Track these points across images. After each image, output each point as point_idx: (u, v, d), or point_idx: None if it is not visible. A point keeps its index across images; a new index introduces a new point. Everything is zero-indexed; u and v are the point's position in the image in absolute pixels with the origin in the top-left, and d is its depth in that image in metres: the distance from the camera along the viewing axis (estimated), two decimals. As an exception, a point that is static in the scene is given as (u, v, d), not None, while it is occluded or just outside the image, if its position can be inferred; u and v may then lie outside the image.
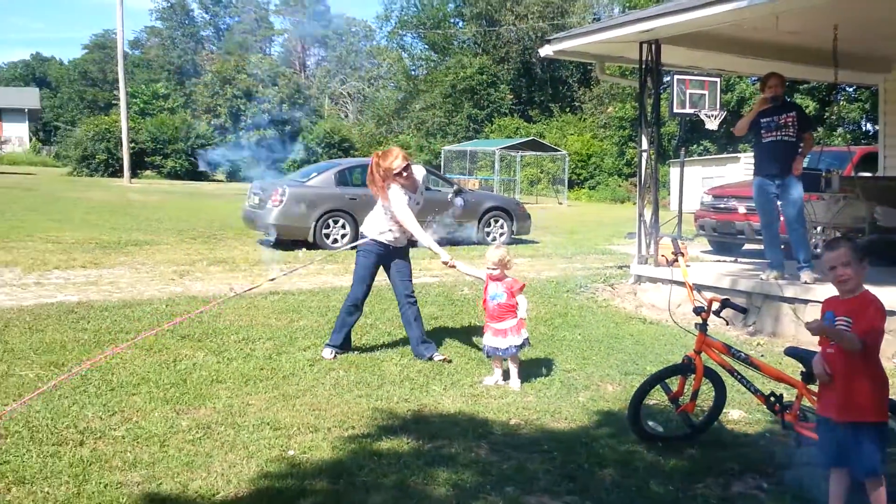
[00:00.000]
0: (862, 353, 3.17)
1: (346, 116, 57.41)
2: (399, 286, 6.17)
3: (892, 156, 10.94)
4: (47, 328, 6.42)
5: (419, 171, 6.28)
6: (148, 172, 35.05)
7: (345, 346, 6.09)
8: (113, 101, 47.52)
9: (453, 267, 5.90)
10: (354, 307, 6.08)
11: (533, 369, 5.82)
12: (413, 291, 6.20)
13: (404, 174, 5.95)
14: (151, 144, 34.83)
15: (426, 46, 52.90)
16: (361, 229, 6.30)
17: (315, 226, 12.50)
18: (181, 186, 28.90)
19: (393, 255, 6.14)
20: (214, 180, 36.64)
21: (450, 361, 5.93)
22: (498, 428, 4.54)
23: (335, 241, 12.63)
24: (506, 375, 5.50)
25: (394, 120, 49.51)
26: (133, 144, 31.69)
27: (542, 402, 5.05)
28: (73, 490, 3.51)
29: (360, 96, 57.98)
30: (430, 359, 5.92)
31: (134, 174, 31.29)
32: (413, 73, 52.97)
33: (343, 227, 12.76)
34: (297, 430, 4.37)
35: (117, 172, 32.45)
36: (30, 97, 55.11)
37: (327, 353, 5.96)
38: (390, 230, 6.06)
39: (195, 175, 35.16)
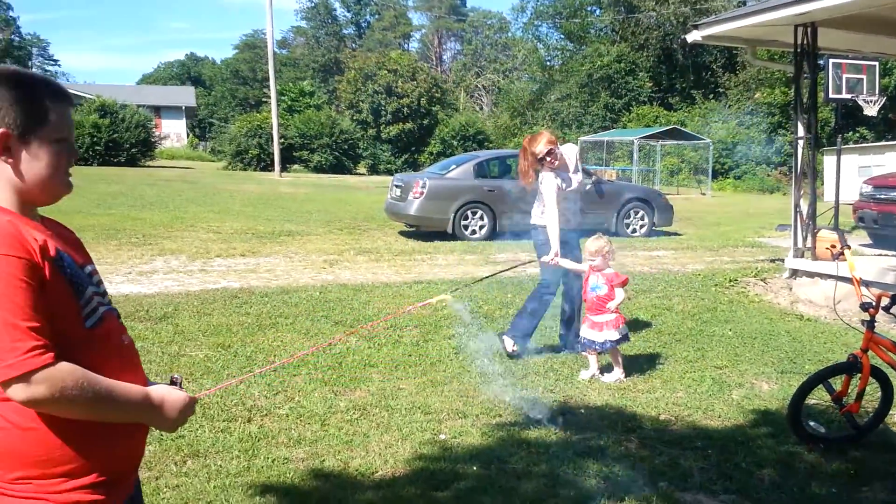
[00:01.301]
0: None
1: (481, 109, 57.74)
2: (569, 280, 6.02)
3: None
4: (213, 312, 6.91)
5: (570, 150, 6.16)
6: (296, 167, 36.71)
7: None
8: (263, 99, 50.10)
9: (556, 265, 5.77)
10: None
11: (681, 365, 5.69)
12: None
13: (548, 158, 5.86)
14: (299, 140, 36.43)
15: (562, 36, 52.24)
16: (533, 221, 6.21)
17: (454, 217, 12.72)
18: (327, 180, 30.13)
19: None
20: (357, 173, 37.95)
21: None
22: (647, 422, 4.50)
23: (473, 232, 12.80)
24: (603, 370, 5.40)
25: (528, 111, 49.28)
26: (282, 140, 33.30)
27: (693, 398, 4.94)
28: (243, 464, 3.79)
29: (494, 88, 58.13)
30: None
31: (283, 168, 32.88)
32: (548, 63, 52.47)
33: (481, 218, 12.90)
34: (447, 415, 4.51)
35: (268, 167, 34.23)
36: (186, 95, 58.87)
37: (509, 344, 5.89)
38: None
39: (340, 169, 36.52)
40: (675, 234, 14.46)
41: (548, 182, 5.90)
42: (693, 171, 33.96)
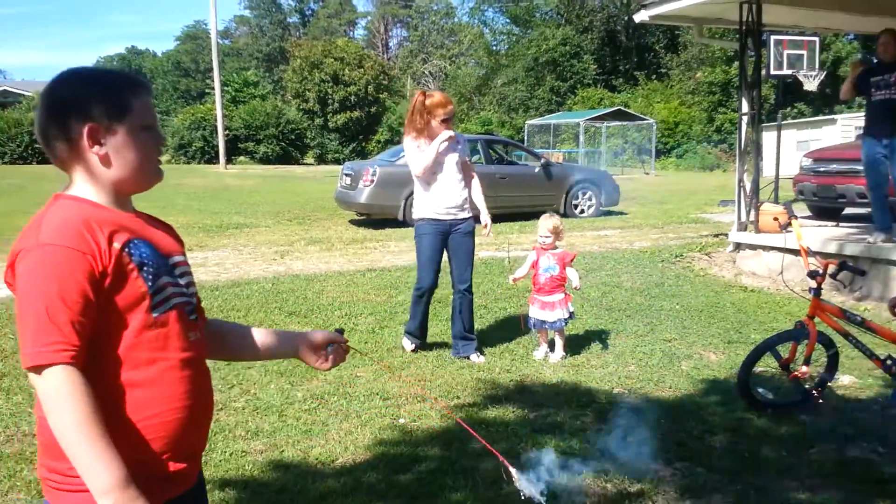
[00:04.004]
0: None
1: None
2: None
3: None
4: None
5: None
6: (242, 158, 36.15)
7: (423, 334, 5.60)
8: (206, 91, 49.11)
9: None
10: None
11: (632, 340, 5.81)
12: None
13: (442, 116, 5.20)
14: (244, 131, 35.86)
15: (508, 21, 52.37)
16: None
17: (405, 204, 12.70)
18: (274, 171, 29.75)
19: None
20: (305, 164, 37.56)
21: (481, 360, 5.35)
22: (602, 397, 4.58)
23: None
24: (551, 347, 5.48)
25: (475, 97, 49.37)
26: (227, 132, 32.73)
27: (645, 371, 5.05)
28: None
29: (442, 74, 58.04)
30: (468, 358, 5.34)
31: (229, 160, 32.36)
32: (495, 48, 52.59)
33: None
34: (406, 400, 4.52)
35: (213, 159, 33.66)
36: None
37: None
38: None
39: (287, 159, 36.09)
40: (622, 213, 14.69)
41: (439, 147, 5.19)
42: (637, 152, 34.49)
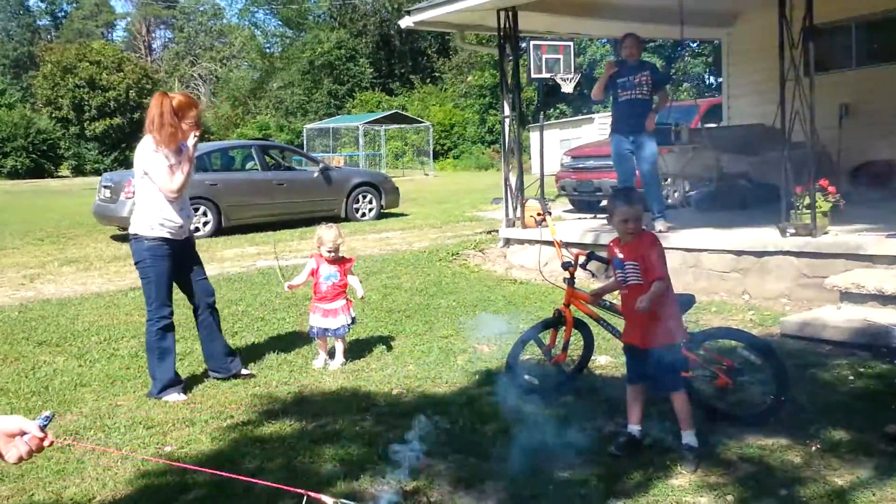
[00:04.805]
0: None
1: (199, 99, 55.02)
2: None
3: (735, 106, 11.73)
4: None
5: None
6: (-15, 173, 32.39)
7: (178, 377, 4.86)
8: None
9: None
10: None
11: (411, 339, 5.88)
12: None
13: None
14: (-12, 143, 32.19)
15: (280, 23, 51.48)
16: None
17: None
18: (25, 185, 26.89)
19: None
20: (60, 176, 34.37)
21: (253, 376, 5.10)
22: (381, 399, 4.57)
23: (196, 230, 12.18)
24: (331, 355, 5.42)
25: (250, 100, 48.01)
26: (-35, 143, 29.16)
27: (423, 369, 5.12)
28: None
29: (212, 77, 55.72)
30: (238, 375, 5.04)
31: (-31, 176, 28.84)
32: (268, 50, 51.49)
33: (205, 214, 12.32)
34: (173, 426, 4.22)
35: (-51, 175, 29.85)
36: None
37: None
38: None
39: (39, 172, 32.79)
40: (403, 214, 14.95)
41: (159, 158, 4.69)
42: (416, 154, 35.38)
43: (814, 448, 3.59)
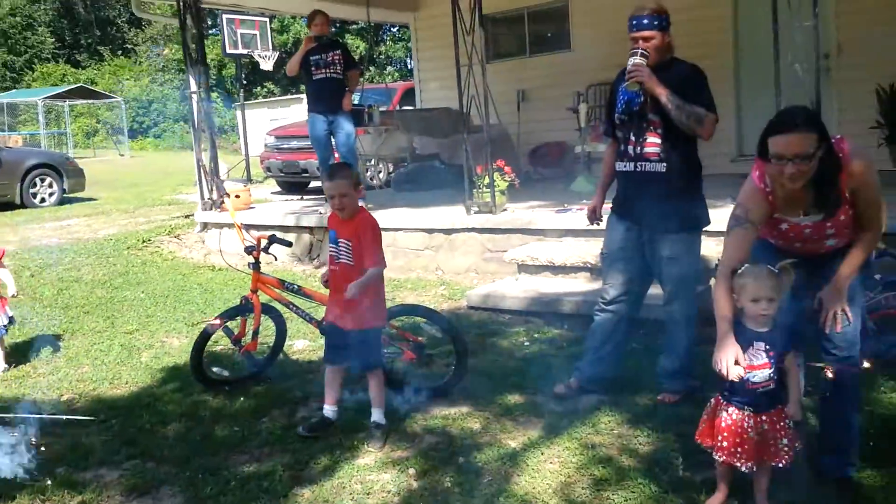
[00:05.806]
0: (359, 271, 3.54)
1: None
2: None
3: (426, 90, 12.19)
4: None
5: None
6: None
7: None
8: None
9: None
10: None
11: (89, 338, 5.36)
12: None
13: None
14: None
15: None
16: None
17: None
18: None
19: None
20: None
21: None
22: (48, 407, 4.07)
23: None
24: None
25: None
26: None
27: (100, 370, 4.68)
28: None
29: None
30: None
31: None
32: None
33: None
34: None
35: None
36: None
37: None
38: None
39: None
40: (90, 199, 13.61)
41: None
42: (110, 132, 32.47)
43: (489, 414, 3.83)
